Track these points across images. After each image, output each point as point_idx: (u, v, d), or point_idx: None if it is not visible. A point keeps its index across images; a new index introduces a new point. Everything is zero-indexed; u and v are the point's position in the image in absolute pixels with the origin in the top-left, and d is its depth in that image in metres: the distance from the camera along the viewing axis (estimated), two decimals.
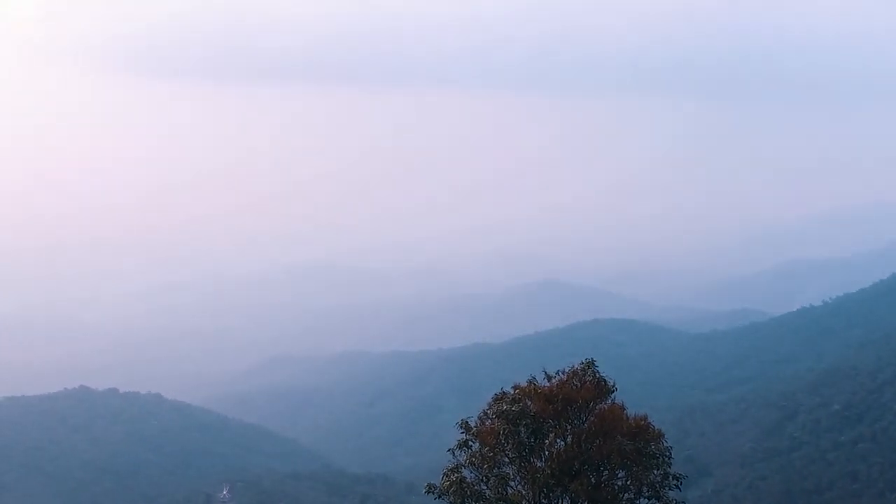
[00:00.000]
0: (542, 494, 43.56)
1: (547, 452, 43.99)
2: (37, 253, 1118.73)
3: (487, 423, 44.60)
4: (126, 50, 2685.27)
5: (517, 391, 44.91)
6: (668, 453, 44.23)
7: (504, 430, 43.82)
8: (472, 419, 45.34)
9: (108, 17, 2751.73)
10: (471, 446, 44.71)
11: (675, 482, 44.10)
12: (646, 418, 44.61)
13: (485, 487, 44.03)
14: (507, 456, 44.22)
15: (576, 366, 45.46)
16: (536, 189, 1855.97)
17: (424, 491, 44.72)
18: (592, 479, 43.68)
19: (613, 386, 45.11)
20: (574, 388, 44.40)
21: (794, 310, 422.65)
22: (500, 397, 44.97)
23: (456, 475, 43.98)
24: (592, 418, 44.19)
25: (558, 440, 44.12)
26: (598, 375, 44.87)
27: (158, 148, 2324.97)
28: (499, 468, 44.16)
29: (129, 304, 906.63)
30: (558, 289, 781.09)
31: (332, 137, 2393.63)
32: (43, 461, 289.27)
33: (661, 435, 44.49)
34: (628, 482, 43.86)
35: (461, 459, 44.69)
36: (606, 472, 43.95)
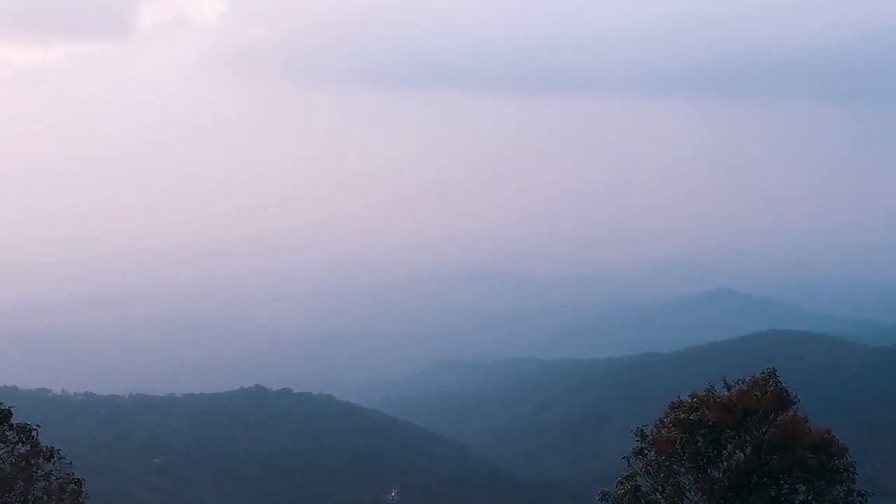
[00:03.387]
0: None
1: (725, 463, 43.23)
2: (212, 256, 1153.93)
3: (664, 431, 43.95)
4: (293, 58, 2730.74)
5: (695, 400, 44.12)
6: (852, 469, 42.94)
7: (681, 438, 43.12)
8: (647, 427, 44.76)
9: (280, 26, 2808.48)
10: (646, 454, 44.14)
11: (859, 499, 42.86)
12: (829, 432, 43.40)
13: (660, 497, 43.40)
14: (683, 465, 43.52)
15: (756, 375, 44.49)
16: (711, 198, 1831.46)
17: (598, 498, 44.23)
18: (772, 493, 42.68)
19: (795, 397, 43.98)
20: (754, 397, 43.40)
21: None
22: (677, 405, 44.27)
23: (631, 483, 43.50)
24: (773, 429, 43.16)
25: (737, 451, 43.31)
26: (779, 386, 43.76)
27: (328, 150, 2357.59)
28: (675, 477, 43.50)
29: (304, 306, 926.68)
30: (732, 299, 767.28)
31: (497, 142, 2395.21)
32: (219, 457, 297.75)
33: (845, 449, 43.22)
34: (810, 497, 42.72)
35: (636, 467, 44.15)
36: (787, 485, 42.90)
